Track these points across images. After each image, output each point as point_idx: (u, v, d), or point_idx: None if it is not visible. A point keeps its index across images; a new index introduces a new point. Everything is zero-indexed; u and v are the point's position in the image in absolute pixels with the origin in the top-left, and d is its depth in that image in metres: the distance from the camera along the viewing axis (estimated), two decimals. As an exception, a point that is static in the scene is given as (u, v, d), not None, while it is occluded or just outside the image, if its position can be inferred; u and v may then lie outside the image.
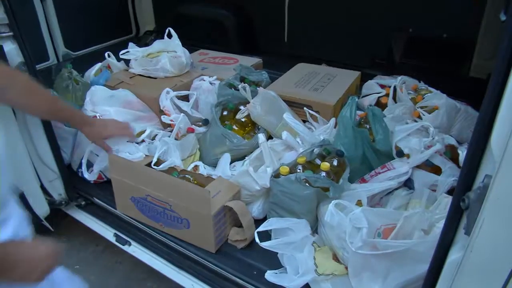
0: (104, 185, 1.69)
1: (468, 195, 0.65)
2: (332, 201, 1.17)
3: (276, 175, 1.34)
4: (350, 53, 2.47)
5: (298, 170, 1.35)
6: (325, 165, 1.33)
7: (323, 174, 1.33)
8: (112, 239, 1.60)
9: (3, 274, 0.75)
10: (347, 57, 2.45)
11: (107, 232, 1.64)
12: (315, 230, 1.35)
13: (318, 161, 1.41)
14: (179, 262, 1.44)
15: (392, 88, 1.85)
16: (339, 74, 2.03)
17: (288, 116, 1.58)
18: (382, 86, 1.95)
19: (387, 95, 1.86)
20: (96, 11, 2.79)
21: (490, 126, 0.59)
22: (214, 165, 1.67)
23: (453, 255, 0.71)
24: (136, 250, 1.54)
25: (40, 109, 1.30)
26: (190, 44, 2.38)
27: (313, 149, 1.40)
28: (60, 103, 1.38)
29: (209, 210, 1.27)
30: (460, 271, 0.69)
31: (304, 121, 1.78)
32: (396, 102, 1.82)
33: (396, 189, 1.41)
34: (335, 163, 1.39)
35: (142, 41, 3.03)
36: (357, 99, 1.49)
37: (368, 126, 1.50)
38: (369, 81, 2.01)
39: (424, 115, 1.70)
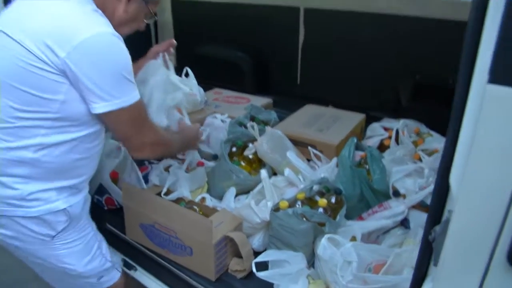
0: (116, 212, 1.78)
1: (435, 229, 0.71)
2: (325, 235, 1.23)
3: (276, 209, 1.41)
4: (359, 96, 2.57)
5: (297, 206, 1.42)
6: (323, 201, 1.40)
7: (321, 210, 1.40)
8: (121, 264, 1.67)
9: (185, 149, 1.70)
10: (356, 99, 2.55)
11: (116, 257, 1.71)
12: (311, 264, 1.40)
13: (317, 198, 1.47)
14: (181, 288, 1.50)
15: (394, 131, 1.93)
16: (344, 116, 2.13)
17: (291, 154, 1.67)
18: (386, 129, 2.03)
19: (390, 137, 1.94)
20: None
21: (450, 164, 0.66)
22: (220, 197, 1.75)
23: (425, 286, 0.77)
24: (141, 275, 1.61)
25: None
26: (207, 82, 2.53)
27: (312, 186, 1.47)
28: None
29: (211, 239, 1.35)
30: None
31: (309, 160, 1.86)
32: (398, 144, 1.90)
33: (393, 228, 1.46)
34: (333, 200, 1.45)
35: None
36: (356, 140, 1.57)
37: (367, 166, 1.58)
38: (374, 123, 2.10)
39: (424, 157, 1.76)
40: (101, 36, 1.07)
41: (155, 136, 1.28)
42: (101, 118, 1.16)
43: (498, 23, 0.53)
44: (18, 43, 1.05)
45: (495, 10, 0.54)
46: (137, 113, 1.18)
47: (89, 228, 1.35)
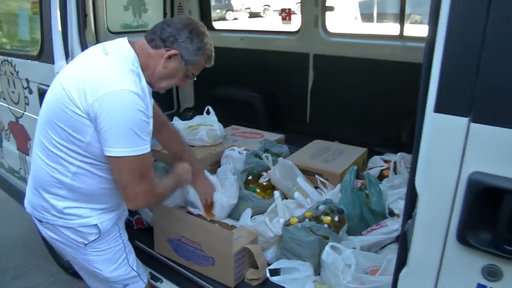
0: (144, 231, 2.02)
1: (408, 222, 0.95)
2: (329, 243, 1.45)
3: (287, 224, 1.64)
4: (365, 134, 2.81)
5: (305, 222, 1.65)
6: (327, 218, 1.63)
7: (325, 225, 1.62)
8: (148, 276, 1.88)
9: (181, 184, 1.67)
10: (362, 137, 2.79)
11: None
12: (318, 273, 1.61)
13: (322, 217, 1.70)
14: (202, 297, 1.70)
15: (392, 163, 2.17)
16: (348, 150, 2.38)
17: (301, 180, 1.91)
18: (386, 161, 2.27)
19: (388, 168, 2.18)
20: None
21: (415, 172, 0.90)
22: (238, 219, 1.98)
23: (404, 270, 0.99)
24: (166, 286, 1.82)
25: (172, 151, 1.90)
26: (224, 120, 2.82)
27: (318, 206, 1.70)
28: (186, 153, 1.86)
29: (231, 249, 1.57)
30: (406, 277, 0.97)
31: (316, 187, 2.09)
32: (396, 174, 2.13)
33: (389, 243, 1.67)
34: (336, 218, 1.68)
35: (182, 116, 3.52)
36: (356, 168, 1.81)
37: (366, 191, 1.81)
38: (375, 156, 2.34)
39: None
40: (122, 92, 1.25)
41: (150, 189, 1.37)
42: (108, 160, 1.32)
43: (438, 71, 0.80)
44: (64, 90, 1.30)
45: (436, 62, 0.80)
46: (138, 164, 1.31)
47: (119, 241, 1.56)
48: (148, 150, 1.33)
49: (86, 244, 1.46)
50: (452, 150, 0.81)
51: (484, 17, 0.73)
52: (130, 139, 1.27)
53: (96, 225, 1.45)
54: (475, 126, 0.77)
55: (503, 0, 0.72)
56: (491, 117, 0.76)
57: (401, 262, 1.01)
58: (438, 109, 0.81)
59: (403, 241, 1.00)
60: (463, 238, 0.83)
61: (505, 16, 0.72)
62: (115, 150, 1.27)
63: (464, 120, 0.78)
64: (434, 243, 0.88)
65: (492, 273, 0.83)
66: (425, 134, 0.86)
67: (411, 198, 0.94)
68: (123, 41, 1.43)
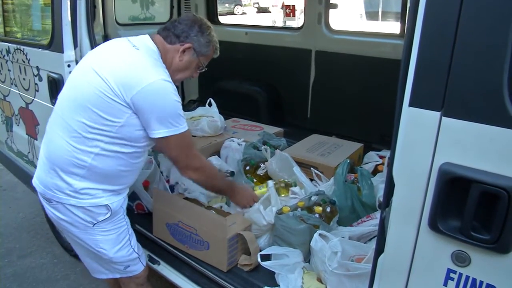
0: (144, 216, 2.10)
1: (386, 210, 1.01)
2: (318, 231, 1.52)
3: (279, 213, 1.70)
4: (364, 130, 2.87)
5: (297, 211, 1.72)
6: (318, 208, 1.70)
7: (316, 215, 1.69)
8: (146, 259, 1.96)
9: (229, 193, 1.81)
10: (361, 133, 2.84)
11: (143, 253, 2.01)
12: (308, 261, 1.67)
13: (314, 207, 1.76)
14: (197, 279, 1.77)
15: (387, 158, 2.22)
16: (344, 145, 2.44)
17: (297, 169, 1.98)
18: (381, 157, 2.33)
19: (383, 163, 2.24)
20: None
21: (393, 161, 0.97)
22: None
23: (381, 256, 1.05)
24: (163, 268, 1.89)
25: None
26: (226, 113, 2.89)
27: (311, 197, 1.77)
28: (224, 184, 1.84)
29: (225, 235, 1.64)
30: (384, 263, 1.03)
31: (311, 180, 2.16)
32: (389, 170, 2.19)
33: (378, 235, 1.73)
34: (328, 209, 1.74)
35: (186, 108, 3.59)
36: (349, 161, 1.88)
37: (358, 184, 1.87)
38: (370, 152, 2.40)
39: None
40: (160, 82, 1.42)
41: (199, 164, 1.60)
42: (156, 141, 1.51)
43: (414, 68, 0.86)
44: (102, 78, 1.42)
45: (413, 59, 0.87)
46: (183, 140, 1.51)
47: (123, 223, 1.65)
48: (187, 126, 1.52)
49: (94, 224, 1.54)
50: (425, 142, 0.87)
51: (455, 18, 0.79)
52: (176, 119, 1.46)
53: (107, 205, 1.54)
54: (446, 120, 0.83)
55: (473, 3, 0.78)
56: (460, 112, 0.82)
57: (380, 248, 1.07)
58: (413, 103, 0.87)
59: (381, 228, 1.06)
60: (434, 225, 0.89)
61: (475, 19, 0.78)
62: (163, 131, 1.45)
63: (436, 114, 0.84)
64: (408, 230, 0.94)
65: (461, 259, 0.89)
66: (401, 127, 0.93)
67: (390, 187, 1.01)
68: (146, 38, 1.57)
